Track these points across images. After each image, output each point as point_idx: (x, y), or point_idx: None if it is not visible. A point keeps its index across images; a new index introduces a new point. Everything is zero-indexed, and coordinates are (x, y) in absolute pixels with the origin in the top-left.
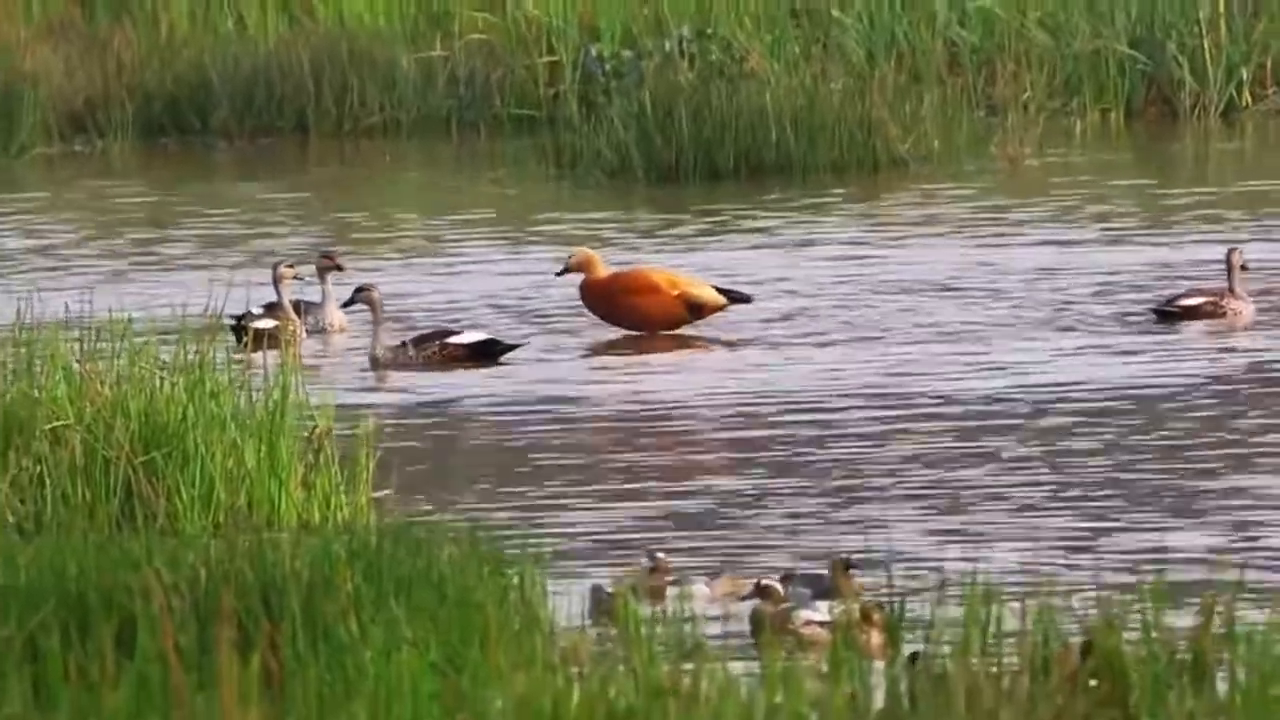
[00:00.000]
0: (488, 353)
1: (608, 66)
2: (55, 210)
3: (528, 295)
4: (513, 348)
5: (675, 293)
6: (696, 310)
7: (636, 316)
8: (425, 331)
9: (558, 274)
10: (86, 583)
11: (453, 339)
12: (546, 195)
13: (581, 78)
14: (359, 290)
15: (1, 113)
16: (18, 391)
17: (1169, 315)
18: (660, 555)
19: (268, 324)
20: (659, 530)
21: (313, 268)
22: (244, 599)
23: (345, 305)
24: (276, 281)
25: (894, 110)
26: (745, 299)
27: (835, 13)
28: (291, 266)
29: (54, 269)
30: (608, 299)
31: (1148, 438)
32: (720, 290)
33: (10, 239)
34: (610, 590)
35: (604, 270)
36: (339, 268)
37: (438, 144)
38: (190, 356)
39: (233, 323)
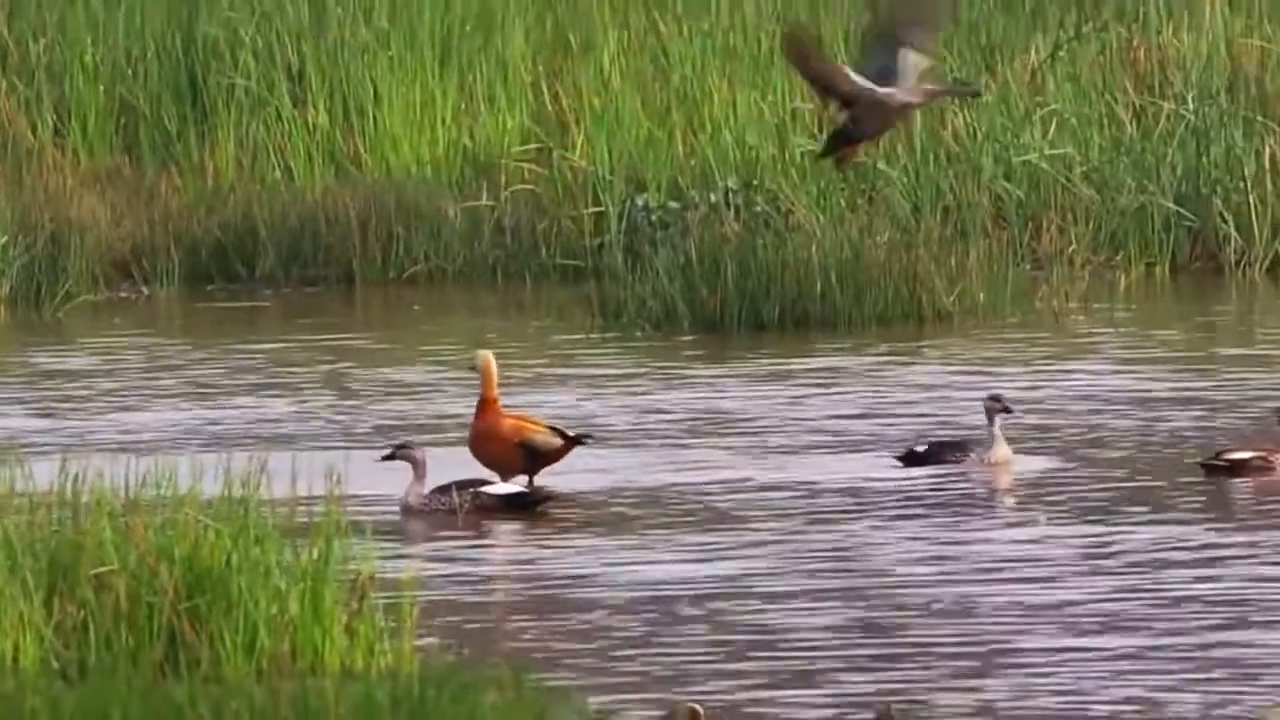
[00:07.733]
0: (521, 504)
1: (654, 217)
2: (100, 356)
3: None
4: (546, 499)
5: (516, 440)
6: (534, 455)
7: (486, 462)
8: (460, 480)
9: (469, 369)
10: None
11: (487, 489)
12: (591, 344)
13: (627, 228)
14: (400, 447)
15: (48, 261)
16: (63, 538)
17: (1215, 469)
18: (698, 708)
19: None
20: (717, 680)
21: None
22: None
23: (385, 458)
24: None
25: (939, 263)
26: (581, 441)
27: (881, 165)
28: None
29: (97, 411)
30: (474, 436)
31: (1208, 596)
32: (560, 434)
33: (56, 385)
34: None
35: (495, 385)
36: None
37: (483, 293)
38: (234, 503)
39: None
